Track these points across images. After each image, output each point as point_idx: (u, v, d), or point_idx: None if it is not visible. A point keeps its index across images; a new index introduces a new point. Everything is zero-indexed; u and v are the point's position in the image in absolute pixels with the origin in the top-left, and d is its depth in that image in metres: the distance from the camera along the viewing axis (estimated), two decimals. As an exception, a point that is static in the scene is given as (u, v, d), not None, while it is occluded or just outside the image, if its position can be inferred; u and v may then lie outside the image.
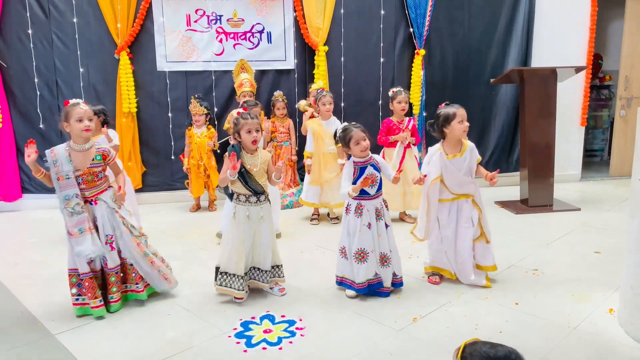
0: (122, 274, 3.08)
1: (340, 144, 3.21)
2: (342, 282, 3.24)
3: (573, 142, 6.50)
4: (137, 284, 3.11)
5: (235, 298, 3.15)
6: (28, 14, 5.22)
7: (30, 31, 5.25)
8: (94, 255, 2.93)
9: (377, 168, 3.12)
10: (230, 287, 3.11)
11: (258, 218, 3.13)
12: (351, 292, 3.17)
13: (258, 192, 3.10)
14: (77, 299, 2.97)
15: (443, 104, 3.24)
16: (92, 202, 2.95)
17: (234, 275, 3.10)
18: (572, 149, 6.51)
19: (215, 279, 3.19)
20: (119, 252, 3.05)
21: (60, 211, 2.92)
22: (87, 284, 2.94)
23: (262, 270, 3.23)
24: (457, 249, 3.29)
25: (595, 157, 8.07)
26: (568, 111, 6.28)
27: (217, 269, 3.18)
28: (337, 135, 3.19)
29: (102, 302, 2.97)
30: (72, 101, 2.95)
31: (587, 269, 3.61)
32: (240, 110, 3.30)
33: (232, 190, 3.13)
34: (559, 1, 6.11)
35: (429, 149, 3.30)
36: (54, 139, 5.29)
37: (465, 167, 3.20)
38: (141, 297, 3.11)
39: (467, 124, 3.15)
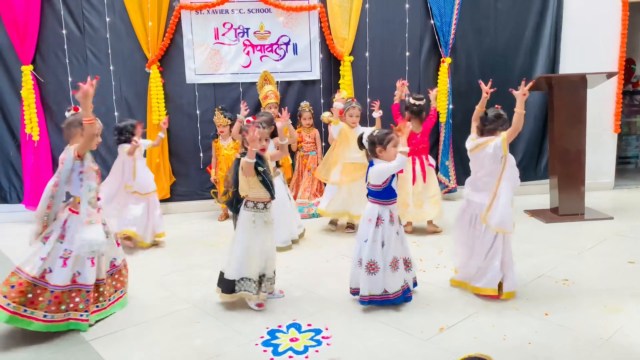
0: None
1: (368, 148, 3.18)
2: (372, 301, 3.13)
3: (605, 149, 6.34)
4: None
5: (257, 305, 3.19)
6: (64, 32, 5.42)
7: (66, 47, 5.45)
8: (102, 248, 3.02)
9: None
10: (247, 291, 3.15)
11: (270, 222, 3.23)
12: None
13: (272, 197, 3.19)
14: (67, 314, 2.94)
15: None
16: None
17: (250, 280, 3.15)
18: (605, 157, 6.35)
19: (224, 287, 3.19)
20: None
21: (74, 202, 3.01)
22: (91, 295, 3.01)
23: (265, 277, 3.27)
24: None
25: (630, 165, 7.85)
26: (600, 118, 6.13)
27: (227, 278, 3.18)
28: (373, 136, 3.12)
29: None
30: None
31: (620, 279, 3.52)
32: (250, 118, 3.41)
33: (246, 199, 3.16)
34: (588, 6, 6.00)
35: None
36: (88, 150, 5.45)
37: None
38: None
39: None
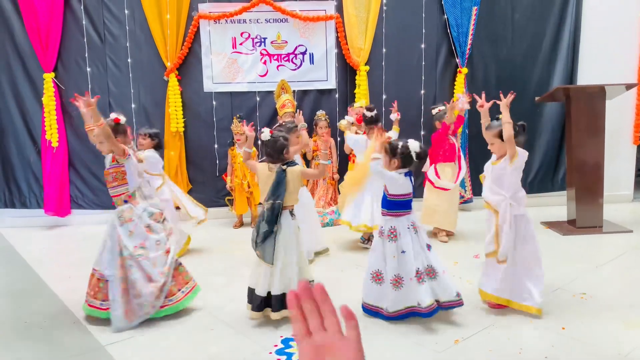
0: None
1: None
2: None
3: (625, 161, 6.26)
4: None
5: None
6: (85, 40, 5.53)
7: (87, 55, 5.55)
8: None
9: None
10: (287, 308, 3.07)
11: None
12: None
13: None
14: None
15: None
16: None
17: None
18: (624, 168, 6.27)
19: (276, 308, 3.06)
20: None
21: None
22: None
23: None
24: None
25: (649, 177, 7.72)
26: (618, 129, 6.06)
27: (274, 296, 3.06)
28: (424, 151, 3.16)
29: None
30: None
31: (639, 294, 3.46)
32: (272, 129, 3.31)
33: (292, 209, 3.13)
34: (606, 16, 5.95)
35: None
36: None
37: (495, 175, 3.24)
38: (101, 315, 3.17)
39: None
